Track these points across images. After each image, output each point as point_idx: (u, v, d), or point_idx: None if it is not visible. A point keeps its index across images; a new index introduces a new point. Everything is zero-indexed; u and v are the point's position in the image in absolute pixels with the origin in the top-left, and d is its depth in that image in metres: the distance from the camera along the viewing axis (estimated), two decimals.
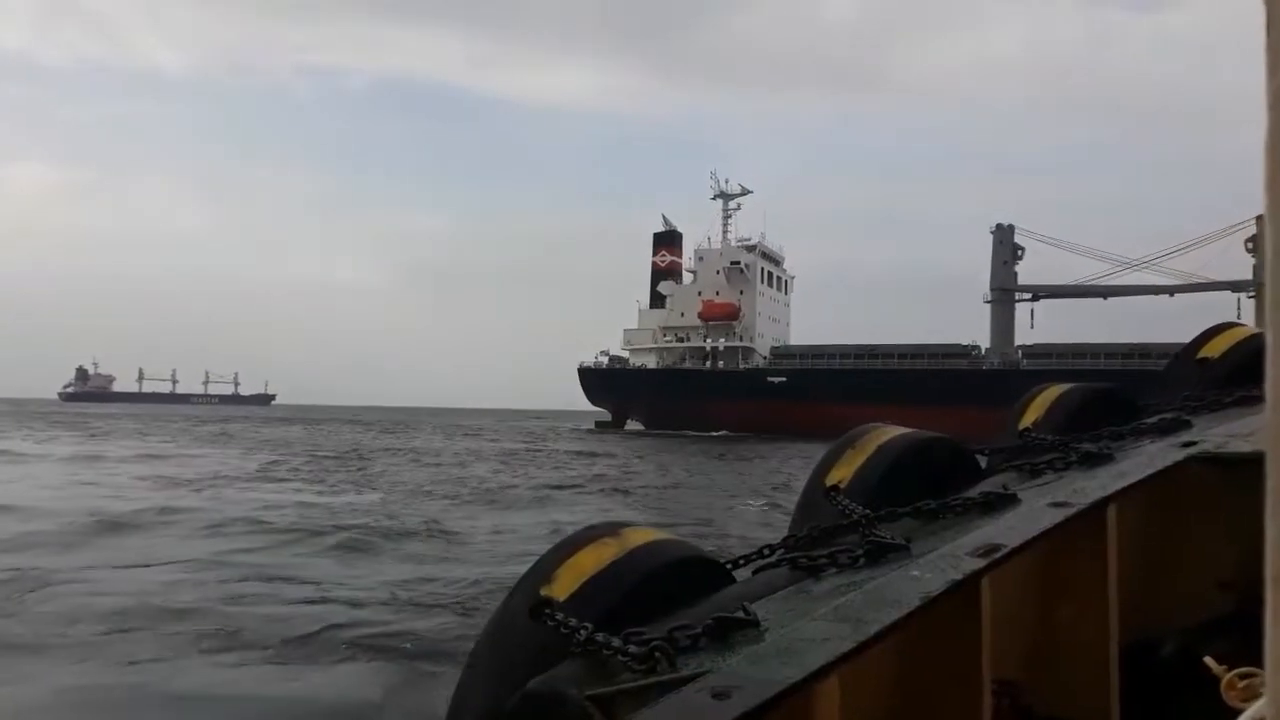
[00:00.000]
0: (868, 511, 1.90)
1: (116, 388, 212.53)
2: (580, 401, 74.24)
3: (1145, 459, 2.12)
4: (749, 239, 73.61)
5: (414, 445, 40.03)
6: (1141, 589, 1.94)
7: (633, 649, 1.25)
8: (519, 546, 11.62)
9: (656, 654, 1.22)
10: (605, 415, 72.85)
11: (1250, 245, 54.28)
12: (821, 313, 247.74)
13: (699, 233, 78.39)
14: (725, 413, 62.00)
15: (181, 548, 11.31)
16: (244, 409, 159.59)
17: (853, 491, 2.11)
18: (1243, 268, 55.94)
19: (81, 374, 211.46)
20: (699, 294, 71.70)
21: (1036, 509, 1.77)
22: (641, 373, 71.18)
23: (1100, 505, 1.77)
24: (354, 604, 8.32)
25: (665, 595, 1.53)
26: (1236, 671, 0.97)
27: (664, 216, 79.31)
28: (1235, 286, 56.13)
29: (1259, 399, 0.52)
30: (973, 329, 65.31)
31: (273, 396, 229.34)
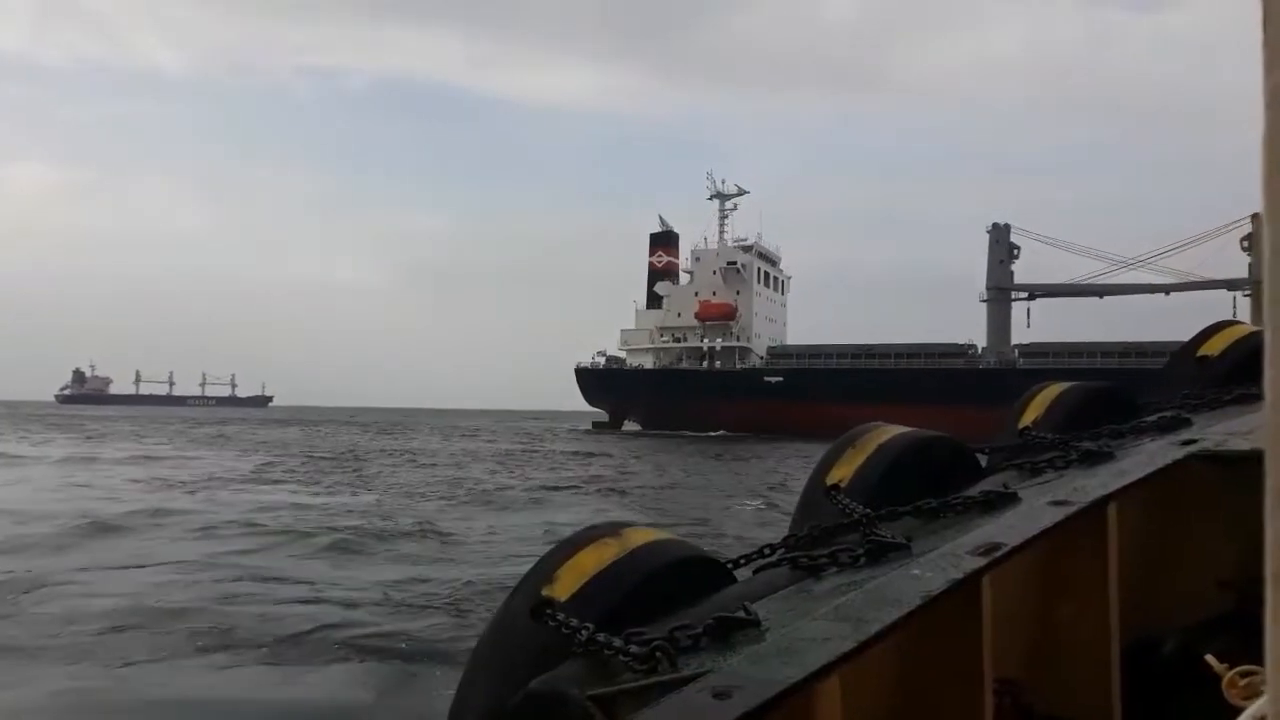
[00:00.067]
0: (868, 511, 1.89)
1: (113, 390, 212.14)
2: (578, 402, 74.34)
3: (1145, 457, 2.12)
4: (745, 239, 73.76)
5: (411, 446, 40.03)
6: (1142, 587, 1.94)
7: (634, 649, 1.24)
8: (513, 548, 11.66)
9: (658, 654, 1.22)
10: (603, 416, 72.86)
11: (1246, 244, 54.47)
12: (821, 313, 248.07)
13: (696, 233, 78.32)
14: (722, 413, 62.04)
15: (175, 549, 11.32)
16: (241, 411, 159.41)
17: (853, 491, 2.11)
18: (1238, 266, 56.23)
19: (78, 376, 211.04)
20: (695, 294, 71.76)
21: (1037, 507, 1.77)
22: (638, 373, 71.21)
23: (1101, 504, 1.77)
24: (347, 605, 8.33)
25: (666, 595, 1.52)
26: (1237, 670, 0.97)
27: (660, 217, 79.45)
28: (1231, 285, 56.33)
29: (1258, 397, 0.52)
30: (970, 329, 65.41)
31: (270, 398, 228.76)
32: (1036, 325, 63.28)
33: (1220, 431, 2.28)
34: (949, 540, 1.64)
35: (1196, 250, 59.49)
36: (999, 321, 62.96)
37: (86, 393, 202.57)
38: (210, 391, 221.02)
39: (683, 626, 1.29)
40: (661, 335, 72.70)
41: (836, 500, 2.07)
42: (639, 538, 1.64)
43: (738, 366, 67.86)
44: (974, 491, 1.96)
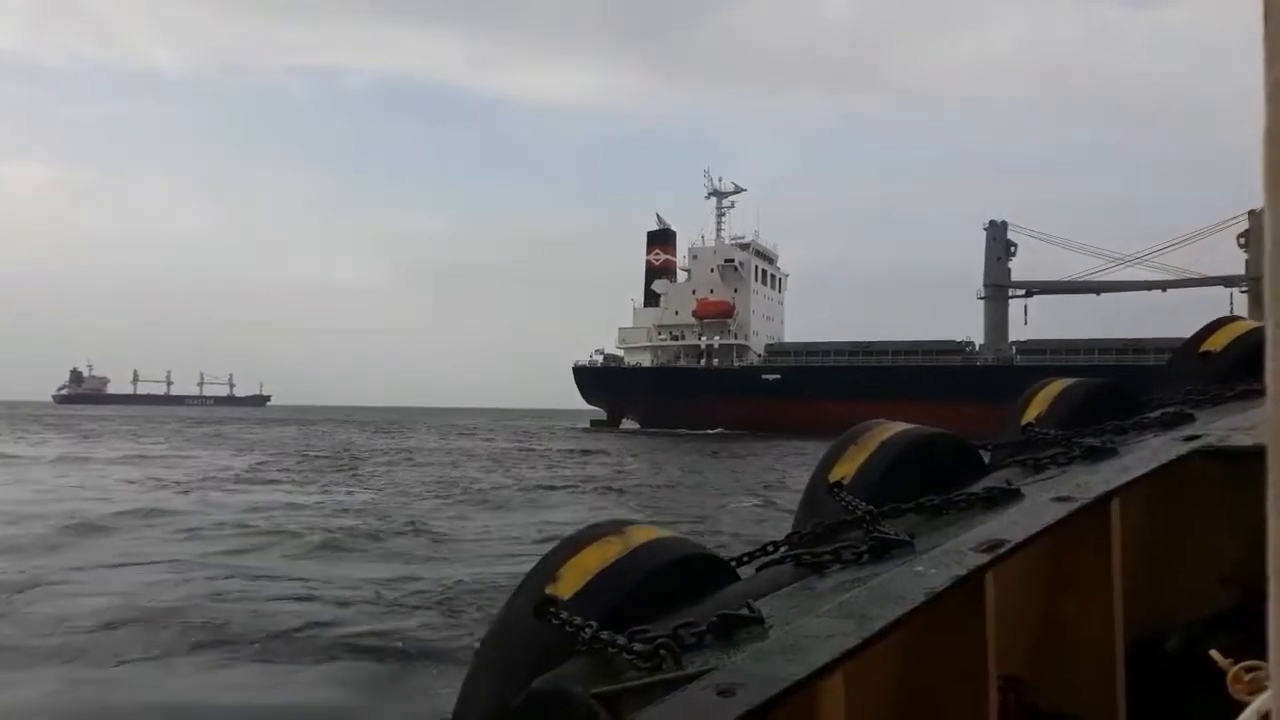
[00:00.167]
0: (871, 508, 1.89)
1: (111, 390, 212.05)
2: (576, 401, 74.32)
3: (1148, 453, 2.12)
4: (743, 237, 73.72)
5: (408, 445, 39.99)
6: (1146, 583, 1.94)
7: (638, 647, 1.24)
8: (507, 547, 11.66)
9: (661, 652, 1.22)
10: (601, 414, 72.85)
11: (1242, 240, 54.55)
12: (819, 311, 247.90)
13: (693, 231, 78.35)
14: (720, 411, 62.03)
15: (168, 549, 11.30)
16: (239, 410, 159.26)
17: (856, 488, 2.11)
18: (1235, 263, 56.29)
19: (76, 376, 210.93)
20: (693, 292, 71.74)
21: (1040, 504, 1.77)
22: (636, 371, 71.20)
23: (1104, 500, 1.77)
24: (339, 604, 8.32)
25: (669, 593, 1.52)
26: (1242, 665, 0.97)
27: (658, 215, 79.46)
28: (1228, 282, 56.41)
29: (1261, 392, 0.52)
30: (969, 327, 65.59)
31: (268, 397, 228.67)
32: (1034, 322, 63.48)
33: (1223, 427, 2.28)
34: (952, 537, 1.63)
35: (1193, 247, 59.64)
36: (996, 319, 62.99)
37: (84, 393, 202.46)
38: (208, 391, 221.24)
39: (686, 624, 1.28)
40: (659, 333, 72.68)
41: (839, 497, 2.06)
42: (642, 536, 1.64)
43: (735, 364, 67.84)
44: (977, 488, 1.96)
